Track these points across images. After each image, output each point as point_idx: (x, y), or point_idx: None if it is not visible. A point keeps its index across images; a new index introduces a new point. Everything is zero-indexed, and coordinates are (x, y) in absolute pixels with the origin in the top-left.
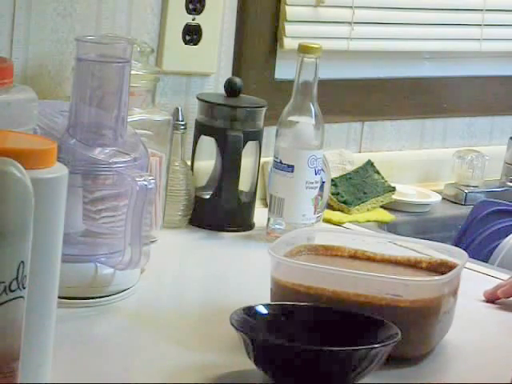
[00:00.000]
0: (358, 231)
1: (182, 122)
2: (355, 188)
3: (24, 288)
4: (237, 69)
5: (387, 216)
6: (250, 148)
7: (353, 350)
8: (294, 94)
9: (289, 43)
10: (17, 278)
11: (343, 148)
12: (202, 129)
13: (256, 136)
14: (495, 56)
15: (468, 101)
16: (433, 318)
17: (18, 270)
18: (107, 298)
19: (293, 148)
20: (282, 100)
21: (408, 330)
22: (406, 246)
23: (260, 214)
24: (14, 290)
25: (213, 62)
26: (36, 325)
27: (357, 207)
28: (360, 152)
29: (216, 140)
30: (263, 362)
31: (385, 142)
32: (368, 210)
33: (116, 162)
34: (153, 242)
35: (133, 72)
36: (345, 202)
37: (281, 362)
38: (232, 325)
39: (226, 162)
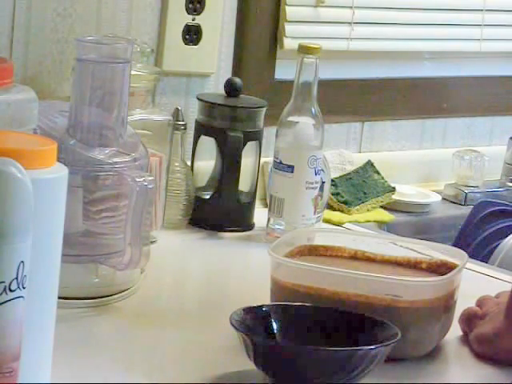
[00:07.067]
0: (358, 231)
1: (182, 122)
2: (355, 188)
3: (24, 288)
4: (237, 69)
5: (387, 216)
6: (250, 148)
7: (353, 350)
8: (294, 94)
9: (289, 43)
10: (17, 278)
11: (343, 148)
12: (201, 129)
13: (256, 136)
14: (495, 56)
15: (468, 101)
16: (433, 319)
17: (18, 270)
18: (107, 298)
19: (293, 148)
20: (282, 100)
21: (408, 330)
22: (406, 247)
23: (260, 214)
24: (13, 290)
25: (213, 62)
26: (36, 325)
27: (357, 207)
28: (360, 152)
29: (216, 140)
30: (263, 361)
31: (385, 142)
32: (368, 210)
33: (116, 162)
34: (153, 242)
35: (133, 72)
36: (345, 202)
37: (281, 362)
38: (232, 325)
39: (226, 162)
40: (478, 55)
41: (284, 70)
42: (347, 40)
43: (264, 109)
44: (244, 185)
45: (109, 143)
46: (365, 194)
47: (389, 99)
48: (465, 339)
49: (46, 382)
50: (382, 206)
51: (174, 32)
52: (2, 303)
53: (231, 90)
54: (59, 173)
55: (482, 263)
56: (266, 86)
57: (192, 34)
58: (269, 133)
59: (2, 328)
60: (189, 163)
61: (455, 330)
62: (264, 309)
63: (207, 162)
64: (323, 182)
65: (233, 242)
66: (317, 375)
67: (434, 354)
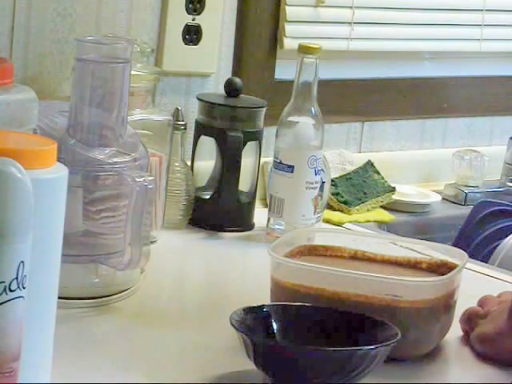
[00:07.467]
0: (358, 231)
1: (182, 122)
2: (355, 188)
3: (24, 288)
4: (237, 69)
5: (387, 216)
6: (250, 148)
7: (353, 349)
8: (293, 94)
9: (289, 43)
10: (17, 278)
11: (343, 148)
12: (201, 129)
13: (256, 136)
14: (495, 56)
15: (468, 101)
16: (433, 319)
17: (18, 270)
18: (107, 298)
19: (293, 148)
20: (282, 100)
21: (408, 330)
22: (406, 247)
23: (260, 214)
24: (13, 290)
25: (213, 62)
26: (36, 325)
27: (357, 207)
28: (360, 152)
29: (216, 140)
30: (263, 362)
31: (385, 142)
32: (368, 210)
33: (116, 162)
34: (153, 242)
35: (133, 72)
36: (345, 202)
37: (281, 362)
38: (232, 325)
39: (226, 162)
40: (478, 55)
41: (284, 70)
42: (347, 40)
43: (264, 109)
44: (244, 185)
45: (109, 143)
46: (365, 194)
47: (389, 99)
48: (465, 339)
49: (46, 382)
50: (382, 206)
51: (174, 32)
52: (2, 303)
53: (231, 89)
54: (59, 173)
55: (482, 263)
56: (266, 86)
57: (192, 34)
58: (269, 133)
59: (2, 328)
60: (189, 163)
61: (455, 330)
62: (264, 309)
63: (207, 162)
64: (323, 182)
65: (233, 242)
66: (317, 375)
67: (434, 354)
